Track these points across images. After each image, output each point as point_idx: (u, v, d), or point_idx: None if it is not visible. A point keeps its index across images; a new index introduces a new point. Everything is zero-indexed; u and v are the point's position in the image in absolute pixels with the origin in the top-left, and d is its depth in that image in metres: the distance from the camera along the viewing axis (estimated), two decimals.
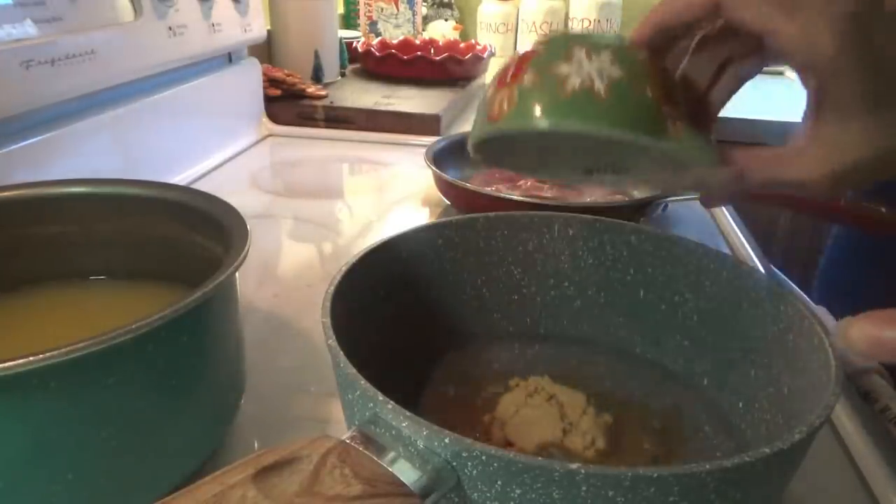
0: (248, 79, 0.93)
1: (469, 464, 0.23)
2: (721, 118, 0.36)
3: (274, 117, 0.98)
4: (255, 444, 0.38)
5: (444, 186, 0.68)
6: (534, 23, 1.58)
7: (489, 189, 0.67)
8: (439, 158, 0.70)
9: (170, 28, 0.70)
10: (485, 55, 1.22)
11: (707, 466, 0.22)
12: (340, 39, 1.16)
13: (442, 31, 1.63)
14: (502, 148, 0.36)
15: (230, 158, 0.86)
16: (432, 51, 1.25)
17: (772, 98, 1.39)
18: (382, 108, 0.98)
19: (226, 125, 0.87)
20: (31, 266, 0.41)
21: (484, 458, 0.23)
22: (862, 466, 0.38)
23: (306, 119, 0.98)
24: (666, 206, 0.67)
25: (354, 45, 1.21)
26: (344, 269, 0.35)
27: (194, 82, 0.78)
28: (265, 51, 1.07)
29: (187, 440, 0.33)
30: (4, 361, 0.24)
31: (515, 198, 0.60)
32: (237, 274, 0.33)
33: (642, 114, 0.30)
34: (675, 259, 0.41)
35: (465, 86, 1.15)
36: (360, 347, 0.30)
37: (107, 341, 0.26)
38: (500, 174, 0.72)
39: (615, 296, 0.43)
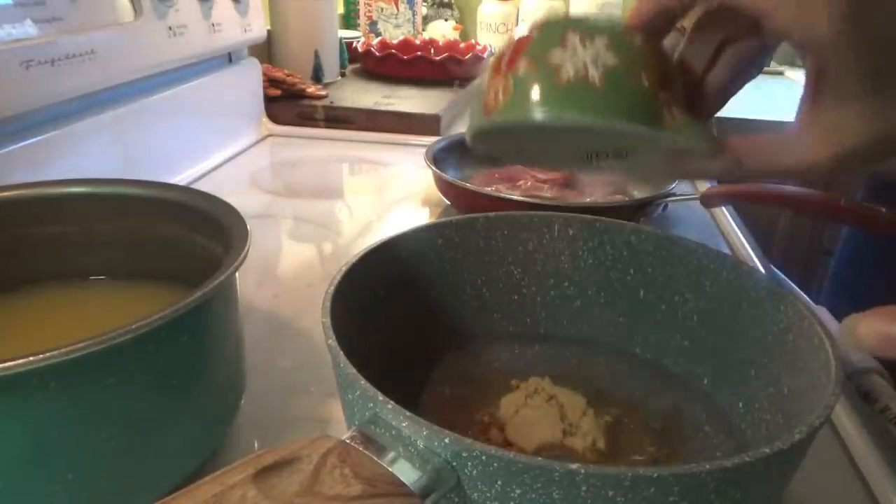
0: (248, 79, 0.93)
1: (469, 464, 0.23)
2: (721, 118, 0.36)
3: (274, 117, 0.98)
4: (255, 444, 0.38)
5: (444, 186, 0.68)
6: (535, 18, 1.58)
7: (489, 189, 0.67)
8: (439, 158, 0.70)
9: (170, 28, 0.70)
10: (485, 55, 1.22)
11: (707, 466, 0.22)
12: (340, 39, 1.16)
13: (442, 31, 1.64)
14: (501, 136, 0.35)
15: (230, 158, 0.86)
16: (432, 51, 1.25)
17: (772, 98, 1.39)
18: (382, 108, 0.98)
19: (226, 125, 0.87)
20: (31, 266, 0.41)
21: (484, 458, 0.23)
22: (862, 466, 0.38)
23: (306, 119, 0.98)
24: (666, 206, 0.67)
25: (354, 45, 1.21)
26: (344, 269, 0.35)
27: (194, 82, 0.78)
28: (265, 51, 1.07)
29: (187, 440, 0.33)
30: (4, 361, 0.24)
31: (515, 198, 0.60)
32: (237, 274, 0.33)
33: (639, 103, 0.29)
34: (675, 259, 0.41)
35: (465, 86, 1.15)
36: (360, 347, 0.30)
37: (107, 341, 0.26)
38: (499, 174, 0.72)
39: (615, 296, 0.43)
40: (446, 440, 0.23)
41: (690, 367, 0.40)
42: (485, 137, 0.34)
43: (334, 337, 0.29)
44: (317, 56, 1.08)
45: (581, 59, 0.29)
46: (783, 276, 0.61)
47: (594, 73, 0.28)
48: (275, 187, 0.80)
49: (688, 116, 0.30)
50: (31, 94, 0.53)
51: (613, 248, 0.43)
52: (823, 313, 0.51)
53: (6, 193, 0.40)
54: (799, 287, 0.52)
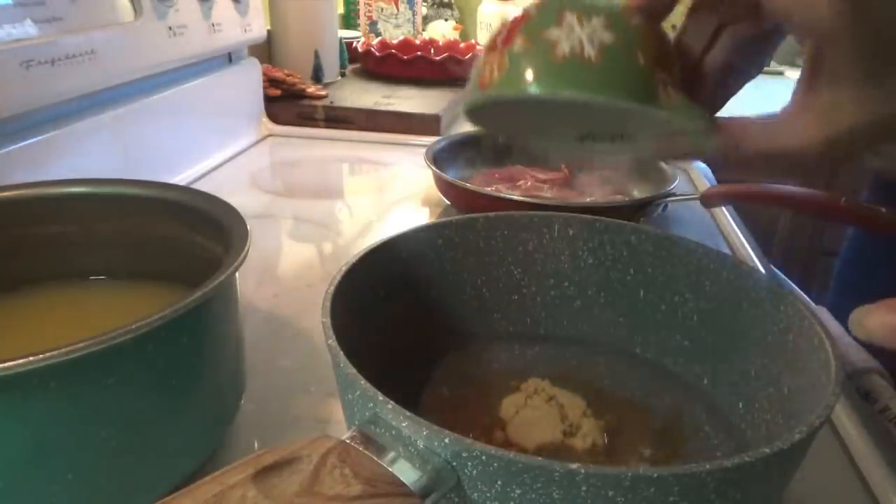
0: (248, 79, 0.93)
1: (469, 464, 0.23)
2: (721, 118, 0.36)
3: (274, 117, 0.98)
4: (255, 444, 0.38)
5: (444, 186, 0.68)
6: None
7: (489, 189, 0.67)
8: (439, 158, 0.70)
9: (170, 28, 0.70)
10: (486, 47, 1.22)
11: (707, 466, 0.22)
12: (340, 39, 1.16)
13: (442, 31, 1.63)
14: (496, 112, 0.35)
15: (230, 158, 0.86)
16: (432, 51, 1.25)
17: (772, 98, 1.39)
18: (382, 108, 0.98)
19: (226, 125, 0.87)
20: (31, 266, 0.41)
21: (484, 458, 0.23)
22: (862, 466, 0.38)
23: (306, 119, 0.98)
24: (666, 206, 0.67)
25: (354, 45, 1.21)
26: (344, 269, 0.35)
27: (194, 82, 0.78)
28: (265, 51, 1.07)
29: (187, 440, 0.33)
30: (4, 361, 0.24)
31: (515, 198, 0.60)
32: (237, 274, 0.33)
33: (634, 81, 0.29)
34: (675, 259, 0.41)
35: (465, 86, 1.15)
36: (360, 347, 0.30)
37: (107, 341, 0.26)
38: (499, 174, 0.72)
39: (615, 296, 0.43)
40: (446, 440, 0.23)
41: (690, 367, 0.40)
42: (480, 112, 0.34)
43: (334, 337, 0.29)
44: (317, 56, 1.08)
45: (577, 37, 0.29)
46: (783, 276, 0.61)
47: (590, 51, 0.28)
48: (275, 187, 0.80)
49: (684, 97, 0.30)
50: (31, 94, 0.53)
51: (613, 248, 0.43)
52: (823, 313, 0.51)
53: (6, 193, 0.40)
54: (799, 287, 0.52)
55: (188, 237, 0.40)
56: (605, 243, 0.43)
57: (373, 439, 0.24)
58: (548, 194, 0.68)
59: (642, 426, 0.37)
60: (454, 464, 0.23)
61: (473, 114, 0.34)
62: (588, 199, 0.68)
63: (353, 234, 0.67)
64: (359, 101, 1.01)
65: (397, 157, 0.89)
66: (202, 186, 0.73)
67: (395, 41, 1.27)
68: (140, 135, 0.68)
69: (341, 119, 0.98)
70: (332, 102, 0.99)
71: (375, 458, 0.23)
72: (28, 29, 0.52)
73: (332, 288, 0.33)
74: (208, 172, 0.80)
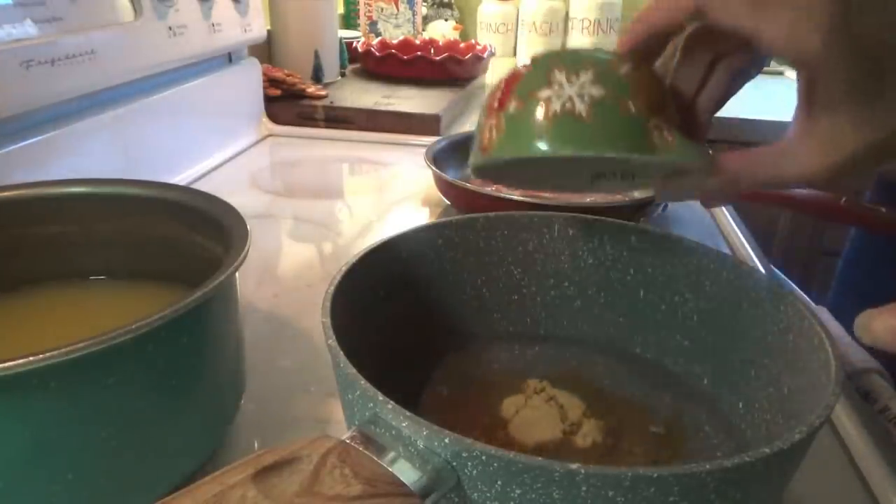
0: (248, 79, 0.93)
1: (469, 464, 0.23)
2: (721, 118, 0.36)
3: (274, 117, 0.98)
4: (255, 444, 0.38)
5: (444, 186, 0.68)
6: (534, 23, 1.58)
7: (489, 189, 0.67)
8: (439, 158, 0.70)
9: (170, 28, 0.70)
10: (485, 55, 1.22)
11: (707, 466, 0.22)
12: (340, 39, 1.16)
13: (442, 31, 1.64)
14: (502, 169, 0.36)
15: (230, 158, 0.86)
16: (432, 51, 1.25)
17: (772, 98, 1.39)
18: (382, 108, 0.98)
19: (226, 125, 0.87)
20: (31, 266, 0.41)
21: (484, 458, 0.23)
22: (862, 466, 0.38)
23: (306, 119, 0.98)
24: (666, 206, 0.67)
25: (354, 45, 1.21)
26: (344, 269, 0.35)
27: (194, 82, 0.78)
28: (265, 51, 1.07)
29: (187, 440, 0.33)
30: (4, 361, 0.24)
31: (515, 198, 0.60)
32: (237, 274, 0.33)
33: (626, 131, 0.30)
34: (675, 259, 0.41)
35: (465, 86, 1.15)
36: (360, 347, 0.30)
37: (107, 341, 0.26)
38: None
39: (615, 296, 0.43)
40: (446, 440, 0.23)
41: (690, 367, 0.40)
42: (487, 172, 0.36)
43: (334, 337, 0.29)
44: (317, 56, 1.08)
45: (567, 94, 0.30)
46: (783, 276, 0.61)
47: (580, 107, 0.30)
48: (275, 187, 0.80)
49: (681, 137, 0.31)
50: (31, 94, 0.53)
51: (613, 248, 0.43)
52: (823, 313, 0.51)
53: (6, 193, 0.40)
54: (799, 287, 0.52)
55: (188, 237, 0.40)
56: (605, 243, 0.43)
57: (373, 439, 0.24)
58: (548, 194, 0.68)
59: (642, 426, 0.37)
60: (454, 464, 0.23)
61: (480, 174, 0.36)
62: (588, 199, 0.68)
63: (353, 234, 0.67)
64: (359, 101, 1.01)
65: (397, 157, 0.89)
66: (202, 186, 0.73)
67: (395, 41, 1.27)
68: (140, 135, 0.68)
69: (341, 119, 0.98)
70: (332, 102, 0.99)
71: (375, 458, 0.23)
72: (28, 29, 0.52)
73: (332, 288, 0.33)
74: (208, 172, 0.80)
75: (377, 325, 0.37)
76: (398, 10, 1.54)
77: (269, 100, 0.97)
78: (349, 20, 1.55)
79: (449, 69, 1.15)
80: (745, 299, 0.37)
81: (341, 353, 0.28)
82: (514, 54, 1.68)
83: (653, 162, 0.31)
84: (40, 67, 0.53)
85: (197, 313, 0.30)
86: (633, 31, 0.32)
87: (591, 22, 1.58)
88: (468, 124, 1.04)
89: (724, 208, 0.74)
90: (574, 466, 0.22)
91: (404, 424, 0.24)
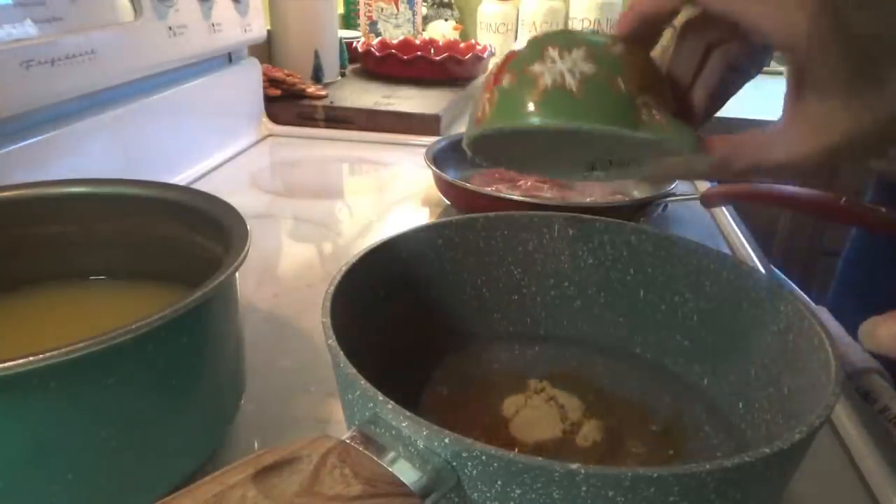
0: (248, 79, 0.93)
1: (469, 464, 0.23)
2: (721, 118, 0.36)
3: (274, 117, 0.98)
4: (255, 444, 0.38)
5: (444, 186, 0.68)
6: (534, 23, 1.58)
7: (489, 189, 0.67)
8: (439, 158, 0.70)
9: (170, 28, 0.70)
10: (485, 55, 1.22)
11: (707, 466, 0.22)
12: (340, 39, 1.16)
13: (442, 31, 1.63)
14: (499, 147, 0.36)
15: (230, 158, 0.86)
16: (432, 51, 1.25)
17: (772, 98, 1.39)
18: (382, 108, 0.98)
19: (226, 125, 0.87)
20: (31, 266, 0.41)
21: (484, 458, 0.23)
22: (862, 466, 0.38)
23: (306, 119, 0.98)
24: (666, 206, 0.67)
25: (354, 45, 1.21)
26: (344, 269, 0.35)
27: (194, 82, 0.78)
28: (265, 51, 1.07)
29: (187, 440, 0.33)
30: (4, 361, 0.24)
31: (515, 198, 0.60)
32: (237, 274, 0.33)
33: (616, 106, 0.30)
34: (675, 259, 0.41)
35: (465, 86, 1.15)
36: (360, 347, 0.30)
37: (107, 341, 0.26)
38: (499, 174, 0.72)
39: (615, 296, 0.43)
40: (446, 440, 0.23)
41: (690, 367, 0.40)
42: (480, 147, 0.36)
43: (334, 337, 0.29)
44: (317, 56, 1.08)
45: (558, 70, 0.31)
46: (783, 276, 0.61)
47: (571, 81, 0.30)
48: (275, 187, 0.80)
49: (670, 118, 0.31)
50: (31, 94, 0.53)
51: (613, 248, 0.43)
52: (823, 313, 0.51)
53: (6, 193, 0.40)
54: (799, 287, 0.52)
55: (188, 237, 0.40)
56: (605, 243, 0.43)
57: (373, 439, 0.24)
58: (548, 194, 0.68)
59: (642, 426, 0.37)
60: (454, 464, 0.23)
61: (474, 148, 0.36)
62: (588, 199, 0.68)
63: (353, 234, 0.67)
64: (359, 101, 1.01)
65: (397, 157, 0.89)
66: (202, 186, 0.73)
67: (395, 41, 1.27)
68: (140, 135, 0.68)
69: (341, 119, 0.98)
70: (332, 102, 0.99)
71: (375, 458, 0.23)
72: (28, 29, 0.52)
73: (332, 288, 0.33)
74: (208, 172, 0.80)
75: (377, 325, 0.37)
76: (398, 10, 1.54)
77: (269, 100, 0.97)
78: (349, 20, 1.55)
79: (449, 69, 1.15)
80: (745, 299, 0.37)
81: (341, 353, 0.28)
82: None
83: (640, 139, 0.31)
84: (40, 67, 0.53)
85: (197, 313, 0.30)
86: (625, 17, 0.33)
87: (591, 22, 1.58)
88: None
89: (724, 208, 0.74)
90: (574, 466, 0.22)
91: (404, 424, 0.24)
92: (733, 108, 0.33)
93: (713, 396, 0.39)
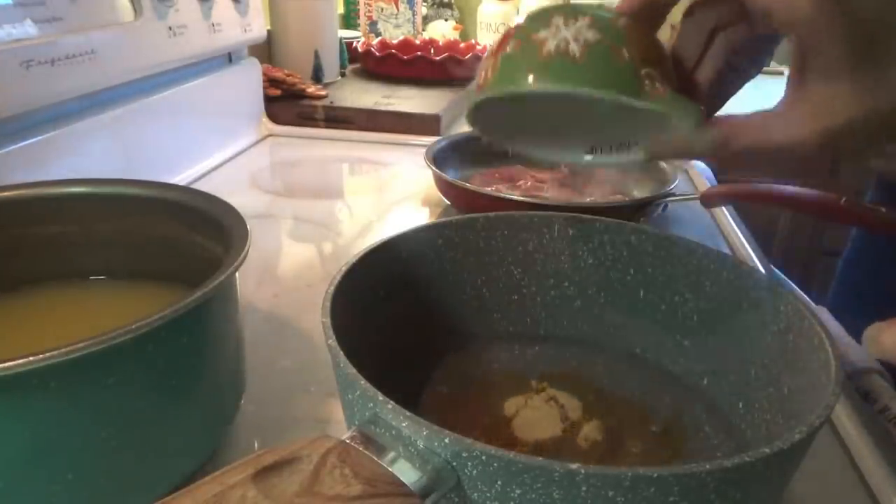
0: (248, 79, 0.93)
1: (469, 464, 0.23)
2: (721, 118, 0.36)
3: (274, 117, 0.98)
4: (255, 444, 0.38)
5: (444, 186, 0.68)
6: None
7: (489, 189, 0.67)
8: (439, 158, 0.70)
9: (170, 28, 0.70)
10: (485, 55, 1.22)
11: (707, 466, 0.22)
12: (340, 39, 1.16)
13: (442, 31, 1.63)
14: (501, 122, 0.36)
15: (230, 158, 0.86)
16: (432, 51, 1.25)
17: (772, 98, 1.39)
18: (382, 108, 0.98)
19: (226, 125, 0.87)
20: (31, 266, 0.41)
21: (484, 458, 0.23)
22: (862, 466, 0.38)
23: (306, 119, 0.98)
24: (666, 206, 0.67)
25: (354, 45, 1.21)
26: (344, 269, 0.35)
27: (194, 82, 0.78)
28: (265, 51, 1.07)
29: (187, 440, 0.33)
30: (4, 361, 0.24)
31: (515, 198, 0.60)
32: (237, 274, 0.33)
33: (618, 73, 0.30)
34: (675, 259, 0.41)
35: (465, 86, 1.15)
36: (360, 347, 0.30)
37: (107, 341, 0.26)
38: (499, 174, 0.72)
39: (615, 296, 0.43)
40: (446, 440, 0.23)
41: (690, 367, 0.40)
42: (482, 119, 0.36)
43: (334, 337, 0.29)
44: (317, 56, 1.08)
45: (563, 36, 0.30)
46: (783, 276, 0.61)
47: (574, 48, 0.30)
48: (275, 187, 0.80)
49: (673, 91, 0.31)
50: (31, 94, 0.53)
51: (613, 248, 0.43)
52: (823, 313, 0.51)
53: (6, 193, 0.40)
54: (799, 287, 0.52)
55: (188, 237, 0.40)
56: (605, 243, 0.43)
57: (373, 439, 0.24)
58: (548, 194, 0.68)
59: (642, 426, 0.37)
60: (454, 464, 0.23)
61: (478, 121, 0.36)
62: (588, 199, 0.68)
63: (353, 234, 0.67)
64: (359, 101, 1.01)
65: (397, 157, 0.89)
66: (202, 186, 0.73)
67: (395, 41, 1.27)
68: (140, 135, 0.68)
69: (341, 119, 0.98)
70: (332, 102, 0.99)
71: (375, 458, 0.23)
72: (28, 29, 0.52)
73: (332, 288, 0.33)
74: (208, 172, 0.80)
75: (377, 325, 0.37)
76: (398, 10, 1.54)
77: (269, 100, 0.97)
78: (349, 20, 1.55)
79: (449, 69, 1.15)
80: (745, 299, 0.37)
81: (341, 353, 0.28)
82: None
83: (642, 110, 0.31)
84: (40, 67, 0.53)
85: (197, 313, 0.30)
86: None
87: None
88: (468, 124, 1.04)
89: (724, 208, 0.74)
90: (574, 466, 0.22)
91: (404, 424, 0.24)
92: (734, 109, 0.33)
93: (713, 396, 0.39)
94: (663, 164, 0.70)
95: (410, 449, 0.24)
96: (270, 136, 0.96)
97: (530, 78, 0.31)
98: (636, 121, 0.32)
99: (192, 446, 0.33)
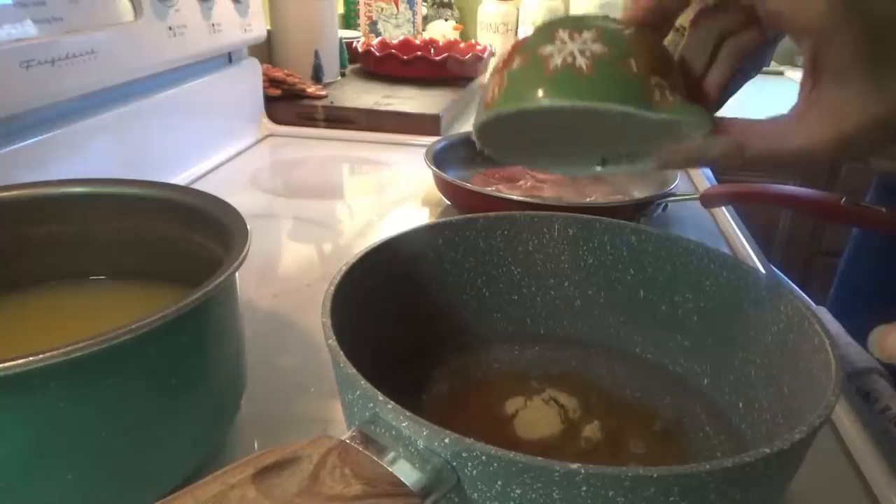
0: (248, 79, 0.93)
1: (469, 464, 0.23)
2: (725, 119, 0.36)
3: (274, 117, 0.98)
4: (255, 444, 0.38)
5: (444, 186, 0.68)
6: (534, 23, 1.58)
7: (489, 189, 0.67)
8: (439, 158, 0.70)
9: (170, 28, 0.70)
10: (485, 55, 1.22)
11: (707, 466, 0.22)
12: (340, 39, 1.16)
13: (442, 31, 1.64)
14: (509, 138, 0.36)
15: (230, 158, 0.86)
16: (432, 51, 1.25)
17: (772, 98, 1.39)
18: (382, 108, 0.98)
19: (226, 125, 0.87)
20: (31, 266, 0.41)
21: (484, 458, 0.23)
22: (862, 466, 0.38)
23: (306, 119, 0.98)
24: (666, 206, 0.67)
25: (354, 45, 1.21)
26: (344, 269, 0.35)
27: (194, 82, 0.78)
28: (265, 51, 1.07)
29: (187, 440, 0.33)
30: (4, 361, 0.24)
31: (515, 198, 0.60)
32: (237, 274, 0.33)
33: (627, 85, 0.30)
34: (675, 259, 0.41)
35: (465, 86, 1.15)
36: (360, 347, 0.30)
37: (107, 341, 0.26)
38: (500, 174, 0.72)
39: (615, 296, 0.43)
40: (446, 440, 0.23)
41: (690, 367, 0.40)
42: (490, 137, 0.35)
43: (334, 337, 0.29)
44: (317, 56, 1.08)
45: (569, 50, 0.30)
46: (783, 276, 0.61)
47: (581, 61, 0.30)
48: (275, 187, 0.80)
49: (683, 100, 0.30)
50: (32, 94, 0.53)
51: (613, 248, 0.43)
52: (823, 313, 0.51)
53: (6, 193, 0.40)
54: (799, 287, 0.52)
55: (188, 237, 0.40)
56: (605, 243, 0.43)
57: (373, 439, 0.24)
58: (548, 194, 0.68)
59: (642, 426, 0.37)
60: (454, 464, 0.23)
61: (485, 139, 0.35)
62: (588, 199, 0.68)
63: (353, 234, 0.67)
64: (359, 101, 1.01)
65: (397, 158, 0.89)
66: (202, 186, 0.73)
67: (395, 41, 1.27)
68: (140, 135, 0.68)
69: (341, 119, 0.98)
70: (332, 102, 0.99)
71: (375, 458, 0.23)
72: (28, 29, 0.52)
73: (332, 288, 0.33)
74: (208, 172, 0.80)
75: (377, 325, 0.37)
76: (398, 10, 1.54)
77: (269, 100, 0.97)
78: (349, 20, 1.55)
79: (449, 69, 1.15)
80: (745, 299, 0.37)
81: (341, 353, 0.28)
82: None
83: (653, 120, 0.30)
84: (40, 67, 0.53)
85: (197, 313, 0.30)
86: (636, 3, 0.32)
87: None
88: (468, 124, 1.04)
89: (724, 208, 0.74)
90: (574, 466, 0.22)
91: (404, 424, 0.24)
92: (734, 109, 0.33)
93: (713, 396, 0.39)
94: None
95: (410, 449, 0.24)
96: (270, 136, 0.96)
97: (538, 94, 0.30)
98: (646, 131, 0.31)
99: (192, 446, 0.33)
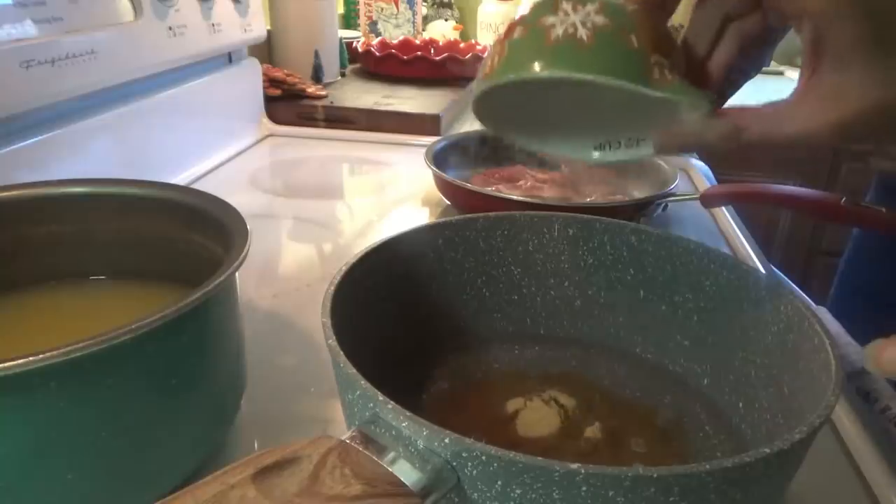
0: (248, 79, 0.93)
1: (469, 464, 0.23)
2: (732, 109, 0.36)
3: (274, 117, 0.98)
4: (255, 444, 0.38)
5: (444, 186, 0.68)
6: None
7: (489, 189, 0.67)
8: (439, 158, 0.70)
9: (170, 28, 0.70)
10: (485, 55, 1.22)
11: (707, 466, 0.22)
12: (340, 39, 1.16)
13: (442, 31, 1.64)
14: (508, 113, 0.35)
15: (230, 158, 0.86)
16: (432, 51, 1.25)
17: (772, 98, 1.39)
18: (382, 108, 0.98)
19: (226, 125, 0.87)
20: (31, 266, 0.41)
21: (484, 458, 0.23)
22: (862, 466, 0.38)
23: (306, 119, 0.98)
24: (666, 206, 0.67)
25: (354, 45, 1.21)
26: (344, 268, 0.35)
27: (194, 82, 0.78)
28: (265, 51, 1.07)
29: (187, 440, 0.33)
30: (4, 361, 0.24)
31: (515, 198, 0.60)
32: (237, 274, 0.33)
33: (627, 61, 0.30)
34: (675, 259, 0.41)
35: (465, 86, 1.15)
36: (360, 347, 0.30)
37: (107, 341, 0.26)
38: (499, 174, 0.72)
39: (615, 296, 0.43)
40: (446, 440, 0.23)
41: (690, 367, 0.40)
42: (489, 110, 0.35)
43: (334, 337, 0.29)
44: (317, 56, 1.08)
45: (571, 21, 0.30)
46: (783, 276, 0.61)
47: (582, 32, 0.29)
48: (275, 187, 0.80)
49: (682, 80, 0.30)
50: (31, 94, 0.53)
51: (613, 248, 0.43)
52: (823, 313, 0.51)
53: (6, 193, 0.40)
54: (799, 287, 0.52)
55: (188, 237, 0.40)
56: (605, 243, 0.43)
57: (373, 439, 0.24)
58: (548, 194, 0.68)
59: (642, 426, 0.37)
60: (454, 464, 0.23)
61: (485, 112, 0.35)
62: (588, 199, 0.68)
63: (353, 234, 0.67)
64: (359, 101, 1.01)
65: (397, 157, 0.89)
66: (202, 186, 0.73)
67: (395, 41, 1.27)
68: (140, 135, 0.68)
69: (341, 119, 0.98)
70: (332, 102, 0.99)
71: (375, 458, 0.23)
72: (28, 29, 0.52)
73: (332, 288, 0.33)
74: (208, 172, 0.80)
75: (377, 325, 0.37)
76: (398, 10, 1.54)
77: (269, 100, 0.97)
78: (349, 20, 1.55)
79: (449, 69, 1.15)
80: (745, 299, 0.37)
81: (341, 353, 0.28)
82: None
83: (652, 98, 0.30)
84: (40, 67, 0.53)
85: (197, 313, 0.30)
86: None
87: None
88: (468, 124, 1.04)
89: (724, 208, 0.74)
90: (574, 466, 0.22)
91: (404, 424, 0.24)
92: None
93: (713, 396, 0.39)
94: (664, 164, 0.70)
95: (410, 449, 0.24)
96: (270, 136, 0.96)
97: (537, 64, 0.30)
98: (644, 114, 0.31)
99: (192, 446, 0.33)
